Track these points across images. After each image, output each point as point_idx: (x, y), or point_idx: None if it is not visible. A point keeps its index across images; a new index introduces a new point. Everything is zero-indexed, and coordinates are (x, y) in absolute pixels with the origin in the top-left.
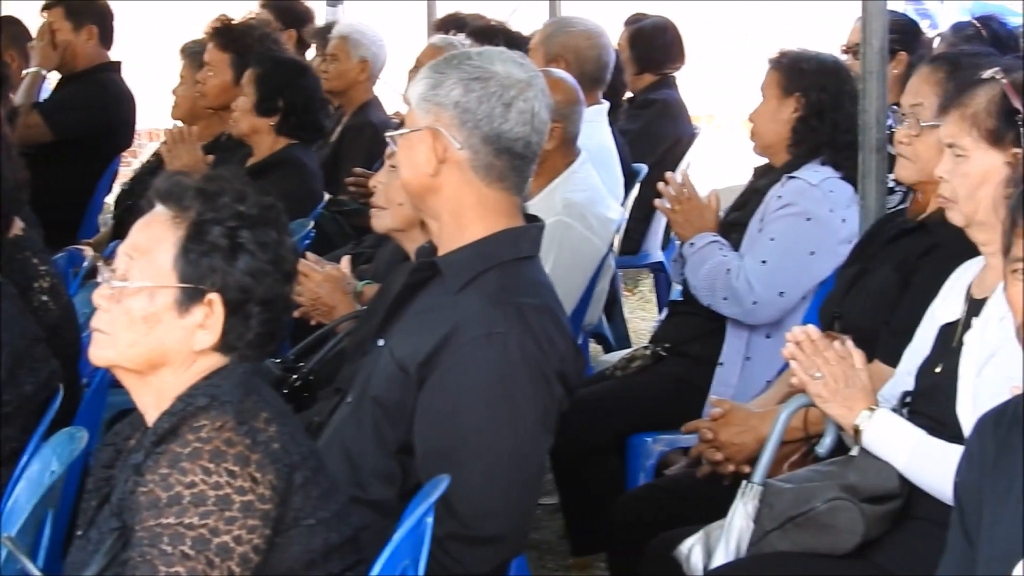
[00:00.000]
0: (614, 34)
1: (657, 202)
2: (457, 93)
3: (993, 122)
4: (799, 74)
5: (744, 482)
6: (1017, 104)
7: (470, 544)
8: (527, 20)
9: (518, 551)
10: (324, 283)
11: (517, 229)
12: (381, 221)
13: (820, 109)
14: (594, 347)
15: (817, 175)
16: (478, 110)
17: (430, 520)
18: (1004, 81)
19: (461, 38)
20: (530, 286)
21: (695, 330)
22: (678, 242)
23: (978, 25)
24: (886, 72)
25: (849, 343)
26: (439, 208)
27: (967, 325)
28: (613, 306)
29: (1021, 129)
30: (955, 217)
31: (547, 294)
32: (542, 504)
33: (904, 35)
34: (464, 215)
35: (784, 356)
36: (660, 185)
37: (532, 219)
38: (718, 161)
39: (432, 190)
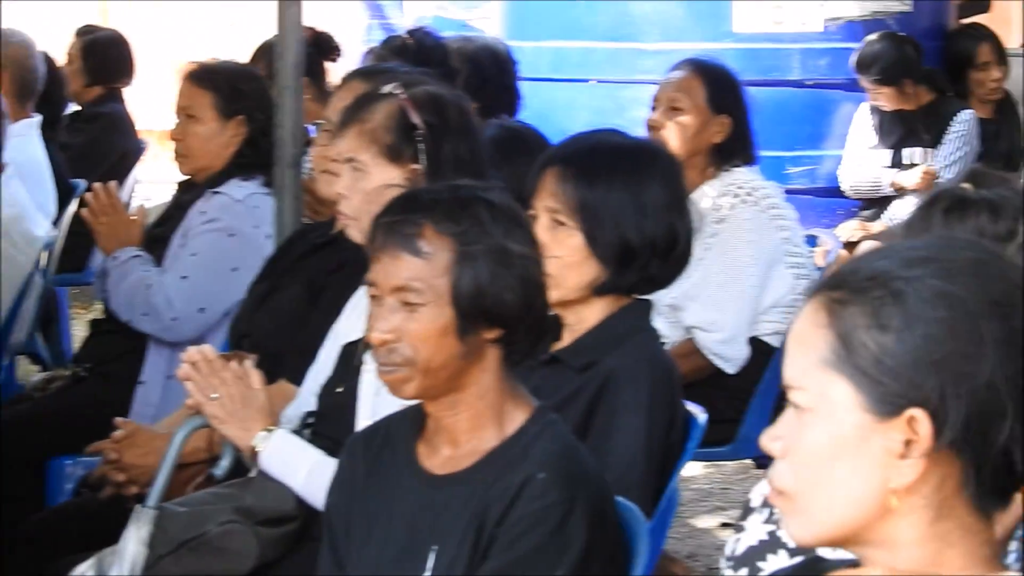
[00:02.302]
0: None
1: (83, 211)
2: None
3: (392, 138)
4: (238, 95)
5: (137, 506)
6: (416, 120)
7: None
8: None
9: None
10: None
11: None
12: None
13: (264, 129)
14: (31, 366)
15: (242, 190)
16: None
17: None
18: (403, 96)
19: None
20: None
21: (118, 348)
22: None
23: (407, 37)
24: (301, 86)
25: (247, 363)
26: None
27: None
28: (50, 324)
29: (420, 145)
30: (355, 235)
31: None
32: None
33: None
34: None
35: (179, 377)
36: (87, 195)
37: None
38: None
39: None
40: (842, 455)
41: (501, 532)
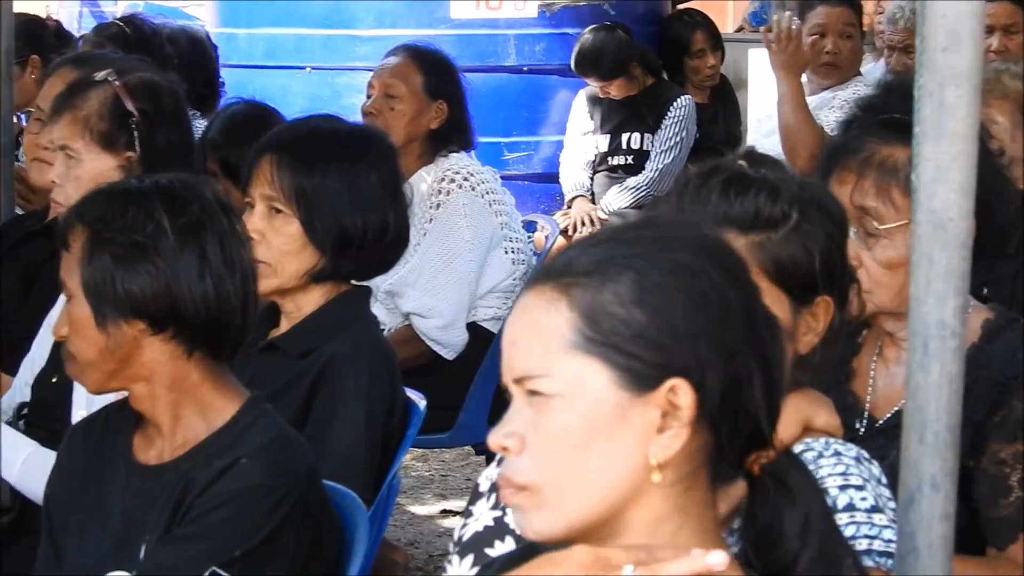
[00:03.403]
0: None
1: None
2: None
3: (105, 125)
4: None
5: None
6: (130, 107)
7: None
8: None
9: None
10: None
11: None
12: None
13: None
14: None
15: None
16: None
17: None
18: (117, 83)
19: None
20: None
21: None
22: None
23: (122, 24)
24: (12, 74)
25: None
26: None
27: None
28: None
29: (135, 132)
30: None
31: None
32: None
33: (33, 38)
34: None
35: None
36: None
37: None
38: None
39: None
40: (598, 437)
41: (195, 505)
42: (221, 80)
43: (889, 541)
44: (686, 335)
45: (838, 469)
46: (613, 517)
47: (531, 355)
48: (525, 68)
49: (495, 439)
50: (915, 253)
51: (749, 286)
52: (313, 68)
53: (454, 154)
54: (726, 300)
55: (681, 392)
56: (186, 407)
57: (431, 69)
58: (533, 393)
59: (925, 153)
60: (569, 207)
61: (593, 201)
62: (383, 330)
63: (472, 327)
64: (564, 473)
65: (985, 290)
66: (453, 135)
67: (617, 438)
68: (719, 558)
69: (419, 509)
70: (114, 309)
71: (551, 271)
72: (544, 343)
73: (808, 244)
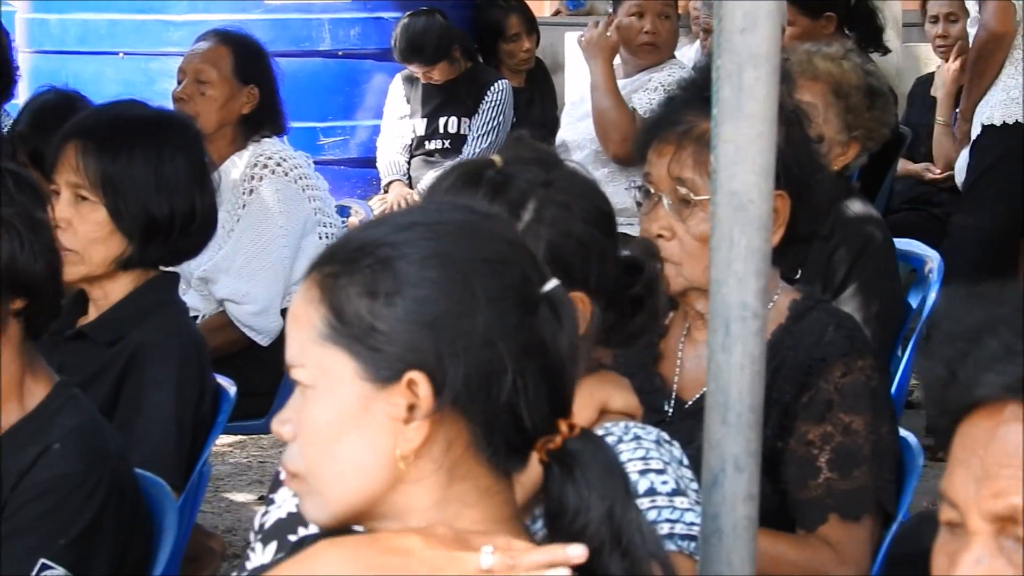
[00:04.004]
0: None
1: None
2: None
3: None
4: None
5: None
6: None
7: None
8: None
9: None
10: None
11: None
12: None
13: None
14: None
15: None
16: None
17: None
18: None
19: None
20: None
21: None
22: None
23: None
24: None
25: None
26: None
27: None
28: None
29: None
30: None
31: None
32: None
33: None
34: None
35: None
36: None
37: None
38: None
39: None
40: (347, 428)
41: (11, 499)
42: (16, 66)
43: (691, 524)
44: (425, 326)
45: (638, 453)
46: (378, 505)
47: (293, 344)
48: (340, 53)
49: (274, 425)
50: (715, 235)
51: (510, 273)
52: (126, 54)
53: (266, 139)
54: (472, 289)
55: (419, 385)
56: (9, 391)
57: (241, 54)
58: (298, 382)
59: (724, 135)
60: (386, 191)
61: (410, 185)
62: (197, 317)
63: (286, 313)
64: (320, 463)
65: (799, 272)
66: (265, 120)
67: (365, 429)
68: (578, 551)
69: (237, 496)
70: (12, 286)
71: (318, 260)
72: (301, 333)
73: (533, 245)
